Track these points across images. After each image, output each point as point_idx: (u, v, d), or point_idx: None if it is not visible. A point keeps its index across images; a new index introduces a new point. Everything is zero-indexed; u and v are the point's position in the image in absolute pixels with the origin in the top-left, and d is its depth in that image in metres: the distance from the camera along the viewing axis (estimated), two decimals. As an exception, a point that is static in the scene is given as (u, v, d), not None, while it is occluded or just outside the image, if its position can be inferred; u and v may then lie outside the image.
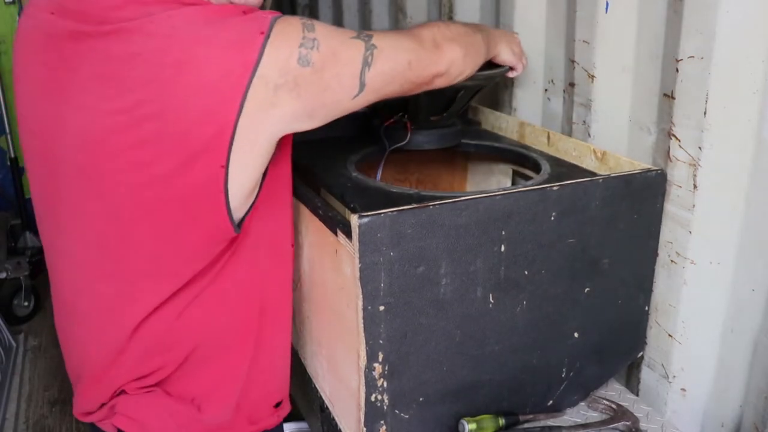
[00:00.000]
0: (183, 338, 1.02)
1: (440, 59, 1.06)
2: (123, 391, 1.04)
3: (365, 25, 2.39)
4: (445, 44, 1.08)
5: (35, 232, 3.30)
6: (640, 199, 1.13)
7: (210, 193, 0.90)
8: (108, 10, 0.89)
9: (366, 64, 0.95)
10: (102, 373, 1.04)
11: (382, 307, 0.95)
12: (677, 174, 1.17)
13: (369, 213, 0.91)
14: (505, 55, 1.32)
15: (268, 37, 0.87)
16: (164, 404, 1.05)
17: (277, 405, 1.18)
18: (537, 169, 1.27)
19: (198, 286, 1.00)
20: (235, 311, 1.06)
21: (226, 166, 0.89)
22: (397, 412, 1.03)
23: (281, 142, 0.98)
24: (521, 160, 1.39)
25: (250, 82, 0.85)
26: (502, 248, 1.02)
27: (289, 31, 0.89)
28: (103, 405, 1.07)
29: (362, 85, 0.96)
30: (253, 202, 0.98)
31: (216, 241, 0.98)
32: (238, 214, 0.95)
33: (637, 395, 1.34)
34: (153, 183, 0.90)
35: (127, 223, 0.93)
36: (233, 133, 0.87)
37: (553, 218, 1.05)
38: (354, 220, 0.90)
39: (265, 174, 0.97)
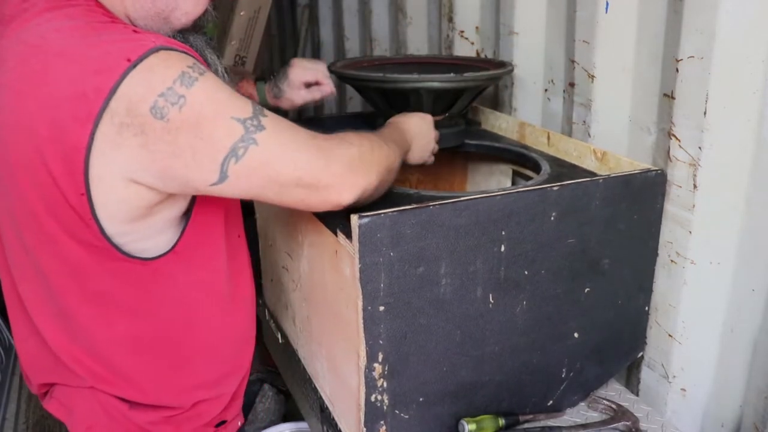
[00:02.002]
0: (112, 347, 0.99)
1: (351, 183, 0.88)
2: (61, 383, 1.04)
3: (365, 26, 2.39)
4: (364, 168, 0.90)
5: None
6: (641, 199, 1.13)
7: (80, 217, 0.84)
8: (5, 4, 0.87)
9: (234, 154, 0.81)
10: (38, 364, 1.03)
11: (382, 308, 0.95)
12: (677, 174, 1.17)
13: (369, 213, 0.90)
14: (413, 160, 1.18)
15: (133, 66, 0.78)
16: (98, 397, 1.01)
17: (219, 425, 1.13)
18: (537, 169, 1.27)
19: (108, 312, 0.96)
20: (170, 345, 1.02)
21: (87, 194, 0.82)
22: (397, 412, 1.03)
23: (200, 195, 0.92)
24: (521, 160, 1.39)
25: (101, 112, 0.77)
26: (502, 248, 1.02)
27: (159, 70, 0.79)
28: (46, 391, 1.07)
29: (223, 176, 0.83)
30: (172, 248, 0.94)
31: (103, 259, 0.90)
32: (126, 246, 0.89)
33: (637, 395, 1.34)
34: (28, 194, 0.85)
35: (18, 231, 0.90)
36: (86, 161, 0.80)
37: (553, 218, 1.05)
38: (354, 220, 0.90)
39: (189, 216, 0.94)
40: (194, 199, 0.95)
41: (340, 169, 0.87)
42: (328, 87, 1.34)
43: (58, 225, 0.87)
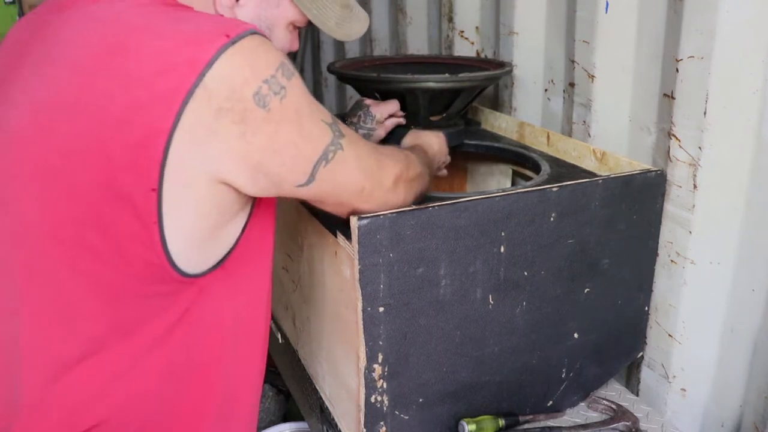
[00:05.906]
0: (116, 410, 0.81)
1: (392, 200, 0.91)
2: None
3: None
4: (404, 187, 0.92)
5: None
6: (640, 199, 1.13)
7: (141, 222, 0.71)
8: None
9: (325, 157, 0.78)
10: (20, 418, 0.81)
11: (381, 309, 0.95)
12: (677, 174, 1.17)
13: (368, 214, 0.90)
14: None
15: (232, 43, 0.69)
16: None
17: None
18: (537, 169, 1.27)
19: (136, 344, 0.79)
20: (187, 389, 0.86)
21: (159, 191, 0.69)
22: (396, 413, 1.03)
23: (258, 205, 0.83)
24: (521, 160, 1.39)
25: (194, 88, 0.67)
26: (502, 249, 1.02)
27: (261, 54, 0.72)
28: None
29: (311, 178, 0.78)
30: (220, 263, 0.82)
31: (148, 282, 0.76)
32: (184, 263, 0.76)
33: (637, 395, 1.34)
34: (65, 197, 0.71)
35: (33, 247, 0.74)
36: (166, 149, 0.67)
37: (552, 219, 1.05)
38: (353, 221, 0.90)
39: (239, 238, 0.83)
40: (250, 216, 0.85)
41: (389, 184, 0.90)
42: (400, 115, 1.34)
43: (102, 235, 0.72)
